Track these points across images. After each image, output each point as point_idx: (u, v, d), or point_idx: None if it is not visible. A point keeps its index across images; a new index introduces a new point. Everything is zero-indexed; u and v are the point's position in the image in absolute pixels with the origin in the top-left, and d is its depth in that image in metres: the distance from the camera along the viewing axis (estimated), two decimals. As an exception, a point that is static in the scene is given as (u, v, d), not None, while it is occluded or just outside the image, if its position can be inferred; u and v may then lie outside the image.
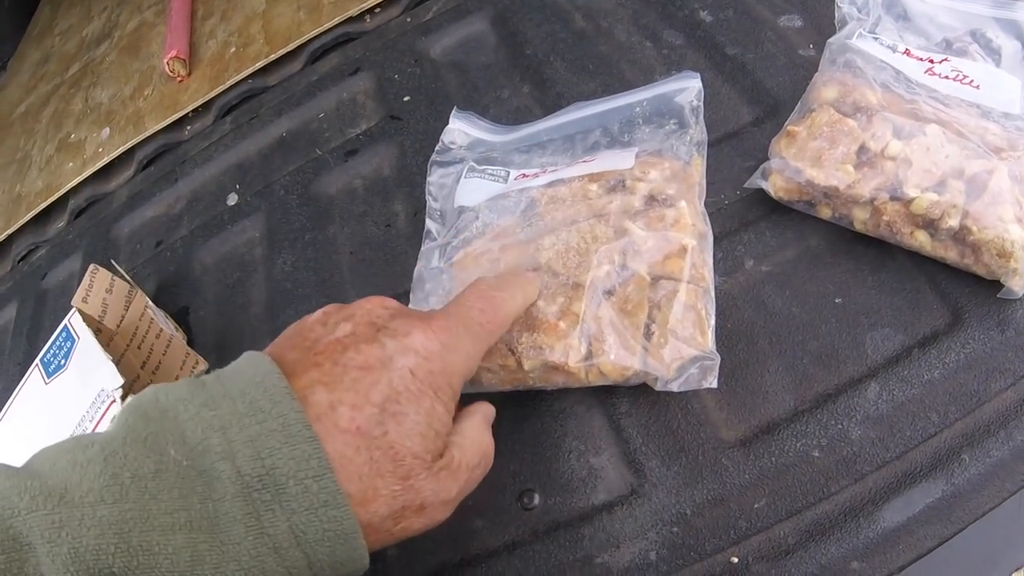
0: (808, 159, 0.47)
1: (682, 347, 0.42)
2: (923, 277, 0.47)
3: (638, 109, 0.53)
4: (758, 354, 0.46)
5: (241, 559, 0.29)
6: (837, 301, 0.47)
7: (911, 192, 0.44)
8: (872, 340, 0.45)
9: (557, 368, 0.44)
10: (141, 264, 0.73)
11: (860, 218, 0.47)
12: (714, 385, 0.42)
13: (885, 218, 0.45)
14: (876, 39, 0.54)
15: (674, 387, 0.42)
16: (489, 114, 0.61)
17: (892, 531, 0.40)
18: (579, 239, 0.46)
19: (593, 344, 0.44)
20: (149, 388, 0.33)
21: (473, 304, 0.39)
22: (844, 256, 0.48)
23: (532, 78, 0.62)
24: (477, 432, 0.39)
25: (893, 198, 0.45)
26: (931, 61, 0.53)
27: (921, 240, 0.45)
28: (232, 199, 0.71)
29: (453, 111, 0.58)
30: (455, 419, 0.38)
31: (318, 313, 0.37)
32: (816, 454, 0.43)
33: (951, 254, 0.45)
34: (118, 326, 0.59)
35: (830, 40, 0.53)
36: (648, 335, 0.43)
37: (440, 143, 0.57)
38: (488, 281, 0.42)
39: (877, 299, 0.46)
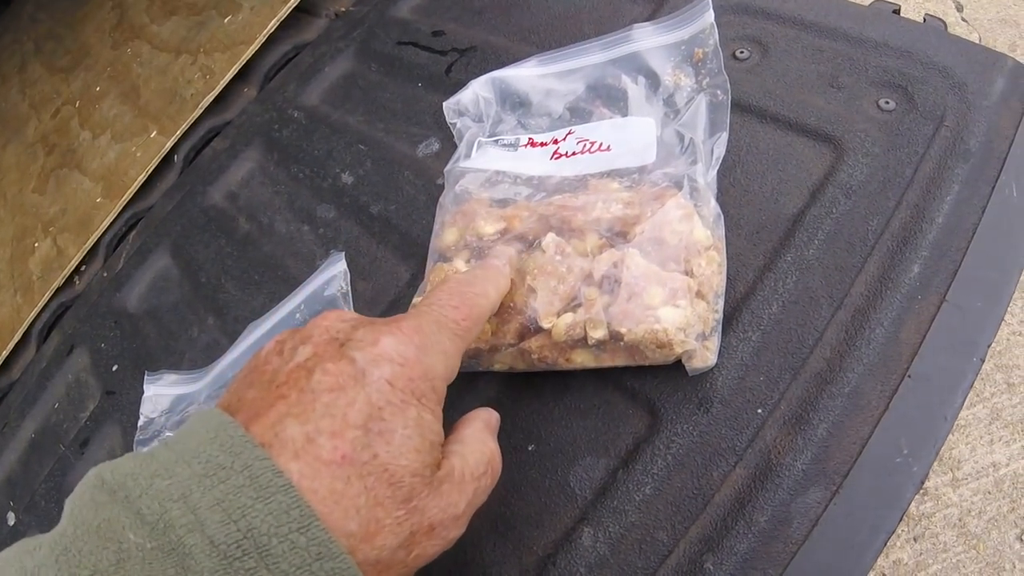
0: (441, 327, 0.44)
1: None
2: (609, 387, 0.44)
3: (298, 316, 0.51)
4: (472, 534, 0.42)
5: None
6: (531, 448, 0.44)
7: (545, 323, 0.42)
8: (576, 476, 0.42)
9: None
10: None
11: (517, 361, 0.44)
12: None
13: (535, 356, 0.42)
14: (496, 141, 0.51)
15: None
16: (186, 359, 0.58)
17: None
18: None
19: None
20: (92, 470, 0.29)
21: (446, 302, 0.36)
22: (525, 397, 0.45)
23: (212, 307, 0.59)
24: (478, 439, 0.36)
25: (533, 334, 0.42)
26: (555, 142, 0.50)
27: (582, 359, 0.42)
28: (11, 519, 0.68)
29: (145, 376, 0.55)
30: (454, 427, 0.36)
31: (271, 343, 0.34)
32: (553, 627, 0.39)
33: (620, 359, 0.42)
34: None
35: (446, 168, 0.51)
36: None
37: (141, 417, 0.54)
38: (459, 277, 0.39)
39: (570, 430, 0.43)
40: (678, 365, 0.42)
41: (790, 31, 0.56)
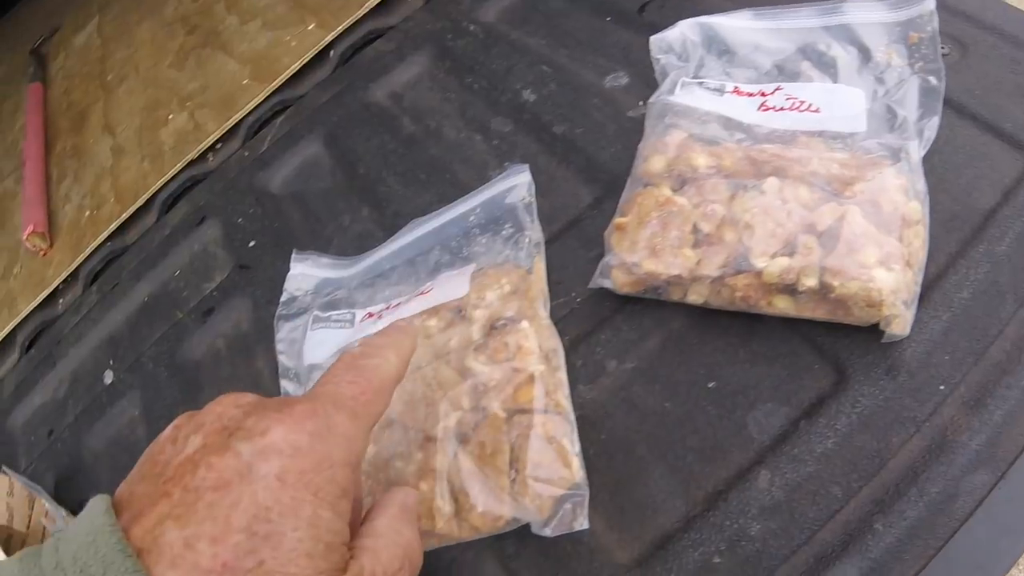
0: (643, 250, 0.44)
1: (547, 488, 0.39)
2: (797, 338, 0.44)
3: (472, 218, 0.50)
4: (639, 462, 0.43)
5: None
6: (711, 386, 0.44)
7: (758, 263, 0.42)
8: (755, 420, 0.42)
9: (428, 533, 0.41)
10: (38, 457, 0.69)
11: (714, 296, 0.44)
12: (585, 526, 0.39)
13: (738, 293, 0.42)
14: (701, 83, 0.51)
15: (548, 532, 0.39)
16: (333, 246, 0.58)
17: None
18: (425, 387, 0.43)
19: (459, 499, 0.40)
20: None
21: (341, 378, 0.32)
22: (710, 334, 0.45)
23: (369, 199, 0.59)
24: (393, 529, 0.32)
25: (741, 271, 0.42)
26: (763, 94, 0.50)
27: (783, 306, 0.42)
28: (108, 377, 0.67)
29: (293, 255, 0.55)
30: (367, 516, 0.33)
31: (169, 428, 0.31)
32: (717, 560, 0.39)
33: (820, 312, 0.42)
34: (28, 527, 0.57)
35: (650, 100, 0.50)
36: (512, 480, 0.40)
37: (284, 293, 0.54)
38: (353, 350, 0.35)
39: (753, 374, 0.43)
40: (869, 329, 0.42)
41: (989, 37, 0.56)
